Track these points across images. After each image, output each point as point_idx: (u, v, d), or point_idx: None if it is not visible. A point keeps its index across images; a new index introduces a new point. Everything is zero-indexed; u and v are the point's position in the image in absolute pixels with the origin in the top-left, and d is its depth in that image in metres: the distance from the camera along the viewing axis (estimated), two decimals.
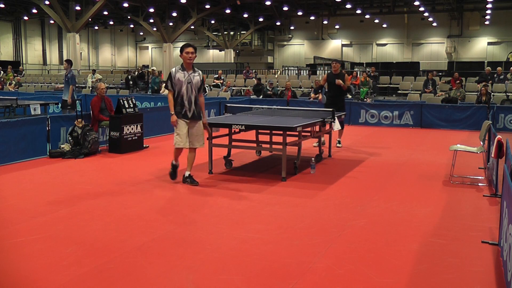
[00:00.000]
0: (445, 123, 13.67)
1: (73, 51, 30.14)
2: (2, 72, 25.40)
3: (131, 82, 22.29)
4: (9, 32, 41.55)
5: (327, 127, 8.78)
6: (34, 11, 34.13)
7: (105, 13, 36.78)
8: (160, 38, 35.27)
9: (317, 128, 8.75)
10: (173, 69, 6.71)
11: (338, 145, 10.10)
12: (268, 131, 8.60)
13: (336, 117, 8.43)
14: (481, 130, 7.78)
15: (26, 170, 7.81)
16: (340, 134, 10.13)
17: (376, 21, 37.24)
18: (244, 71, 25.25)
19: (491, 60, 31.97)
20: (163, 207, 5.79)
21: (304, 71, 30.46)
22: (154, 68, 25.03)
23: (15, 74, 25.77)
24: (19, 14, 38.63)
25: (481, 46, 37.30)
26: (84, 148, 8.92)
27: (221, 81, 22.18)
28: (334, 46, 42.12)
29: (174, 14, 34.49)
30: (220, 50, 43.71)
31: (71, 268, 3.99)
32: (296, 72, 31.07)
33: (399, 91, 21.28)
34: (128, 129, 9.43)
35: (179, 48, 6.69)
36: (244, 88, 22.36)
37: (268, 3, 31.37)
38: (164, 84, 21.98)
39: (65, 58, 37.28)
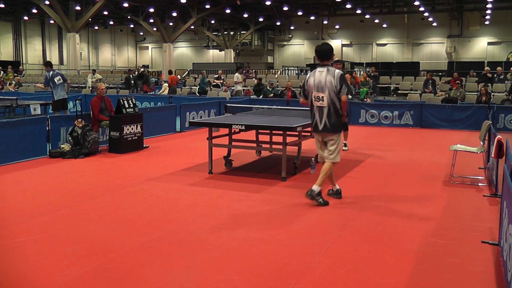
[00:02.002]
0: (445, 123, 13.66)
1: (73, 51, 30.14)
2: (2, 72, 25.39)
3: (132, 82, 22.09)
4: (9, 32, 41.56)
5: None
6: (34, 11, 34.15)
7: (105, 13, 36.80)
8: (160, 38, 35.30)
9: None
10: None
11: (344, 148, 9.84)
12: (268, 131, 8.60)
13: None
14: (481, 130, 7.78)
15: (26, 170, 7.81)
16: (346, 137, 9.87)
17: (376, 21, 37.26)
18: (244, 71, 25.24)
19: (491, 60, 31.98)
20: (163, 207, 5.79)
21: (303, 70, 30.46)
22: (142, 69, 25.04)
23: (15, 74, 25.76)
24: (19, 14, 38.65)
25: (481, 46, 37.32)
26: (84, 148, 8.92)
27: (221, 81, 22.18)
28: (334, 46, 41.24)
29: (174, 14, 34.51)
30: (220, 50, 43.73)
31: (71, 268, 3.99)
32: (297, 72, 31.07)
33: (399, 91, 21.28)
34: (128, 129, 9.43)
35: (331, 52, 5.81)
36: (244, 88, 22.34)
37: (268, 3, 31.39)
38: (164, 84, 22.07)
39: (65, 58, 37.40)
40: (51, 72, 11.68)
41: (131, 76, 22.55)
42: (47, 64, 12.15)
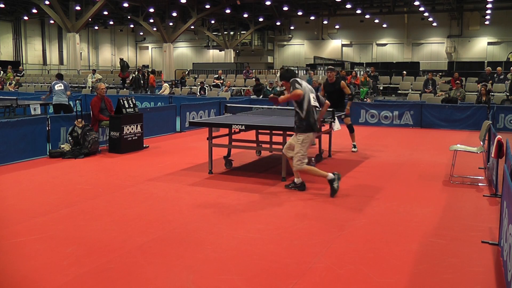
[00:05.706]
0: (445, 123, 13.66)
1: (73, 51, 30.14)
2: (2, 72, 25.37)
3: (141, 82, 21.74)
4: (9, 32, 41.54)
5: (327, 126, 8.75)
6: (34, 11, 34.14)
7: (105, 13, 36.77)
8: (160, 38, 35.28)
9: None
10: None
11: (353, 149, 9.69)
12: (268, 131, 8.60)
13: (336, 117, 8.42)
14: (481, 130, 7.78)
15: (26, 170, 7.81)
16: (353, 138, 9.74)
17: (376, 21, 37.25)
18: (244, 71, 25.25)
19: (491, 60, 31.96)
20: (163, 207, 5.79)
21: (303, 70, 30.43)
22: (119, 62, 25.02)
23: (15, 74, 25.75)
24: (19, 14, 38.64)
25: (481, 46, 37.31)
26: (84, 148, 8.92)
27: (221, 81, 22.19)
28: (334, 46, 42.12)
29: (174, 14, 34.49)
30: (220, 50, 43.72)
31: (71, 268, 3.99)
32: (297, 72, 31.04)
33: (399, 91, 21.28)
34: (128, 129, 9.43)
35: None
36: (244, 88, 22.36)
37: (268, 3, 31.38)
38: (165, 84, 22.05)
39: (65, 58, 37.40)
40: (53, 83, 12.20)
41: (140, 76, 22.15)
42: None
